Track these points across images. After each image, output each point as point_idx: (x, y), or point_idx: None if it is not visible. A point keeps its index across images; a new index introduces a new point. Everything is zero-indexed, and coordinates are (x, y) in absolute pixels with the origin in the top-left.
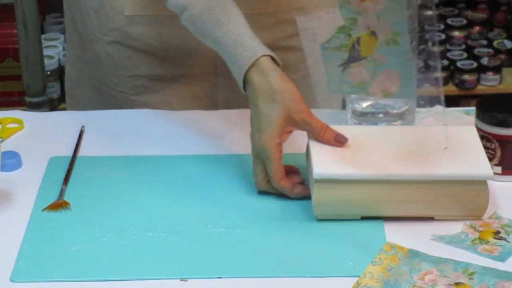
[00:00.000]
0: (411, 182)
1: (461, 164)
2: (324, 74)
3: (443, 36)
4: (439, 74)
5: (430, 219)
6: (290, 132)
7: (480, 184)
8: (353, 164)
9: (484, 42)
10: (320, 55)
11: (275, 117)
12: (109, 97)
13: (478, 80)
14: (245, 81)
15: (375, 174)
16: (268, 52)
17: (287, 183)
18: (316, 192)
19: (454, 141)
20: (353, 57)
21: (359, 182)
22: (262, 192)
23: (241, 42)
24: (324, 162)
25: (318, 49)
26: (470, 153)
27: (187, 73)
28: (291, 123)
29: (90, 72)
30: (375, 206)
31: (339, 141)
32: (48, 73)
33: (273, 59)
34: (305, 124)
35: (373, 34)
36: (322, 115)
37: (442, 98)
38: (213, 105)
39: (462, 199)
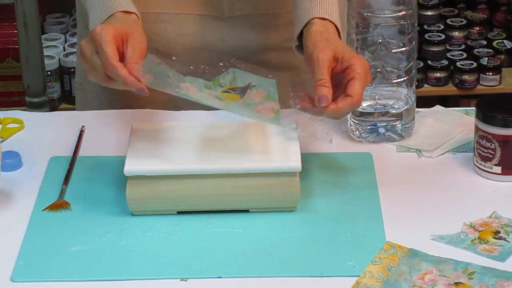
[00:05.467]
0: (222, 176)
1: (272, 157)
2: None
3: (443, 36)
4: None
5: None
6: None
7: (290, 176)
8: (166, 160)
9: (484, 42)
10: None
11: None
12: (115, 93)
13: (478, 80)
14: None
15: (185, 169)
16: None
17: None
18: (129, 189)
19: (271, 135)
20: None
21: (171, 177)
22: None
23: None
24: (137, 158)
25: None
26: (284, 146)
27: (192, 71)
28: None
29: None
30: (190, 201)
31: None
32: (48, 73)
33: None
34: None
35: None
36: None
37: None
38: None
39: (274, 191)
